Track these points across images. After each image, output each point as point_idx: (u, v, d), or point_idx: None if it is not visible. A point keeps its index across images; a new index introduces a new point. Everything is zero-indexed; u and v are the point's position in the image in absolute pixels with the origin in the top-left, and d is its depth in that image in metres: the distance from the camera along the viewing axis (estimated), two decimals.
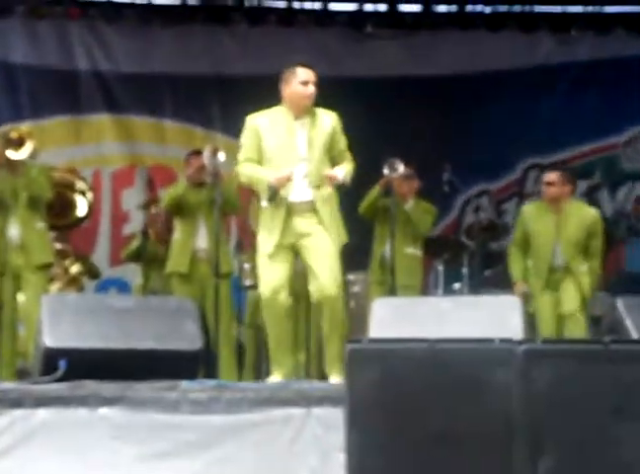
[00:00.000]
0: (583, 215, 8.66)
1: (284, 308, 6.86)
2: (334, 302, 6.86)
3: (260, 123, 6.97)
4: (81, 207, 10.50)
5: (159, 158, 12.56)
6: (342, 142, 7.03)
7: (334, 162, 6.93)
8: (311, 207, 6.83)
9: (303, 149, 6.86)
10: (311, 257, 6.79)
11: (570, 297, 8.42)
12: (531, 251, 8.74)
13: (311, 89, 6.87)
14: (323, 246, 6.80)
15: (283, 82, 6.99)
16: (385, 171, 8.93)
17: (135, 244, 10.75)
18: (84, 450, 5.42)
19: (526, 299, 8.39)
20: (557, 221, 8.53)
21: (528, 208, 8.99)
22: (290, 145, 6.85)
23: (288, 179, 6.69)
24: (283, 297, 6.84)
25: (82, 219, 10.69)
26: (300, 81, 6.88)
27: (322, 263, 6.77)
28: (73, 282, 10.72)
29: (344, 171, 6.89)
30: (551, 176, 8.74)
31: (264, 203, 6.91)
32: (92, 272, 11.16)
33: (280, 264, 6.80)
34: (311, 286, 6.86)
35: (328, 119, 6.97)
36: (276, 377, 6.78)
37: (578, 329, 8.27)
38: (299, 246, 6.82)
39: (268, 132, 6.92)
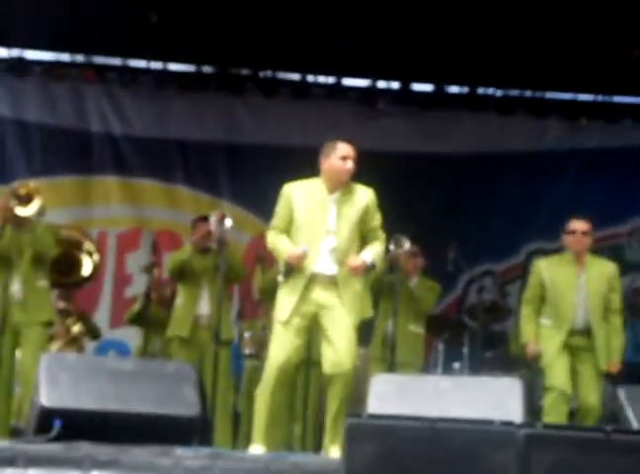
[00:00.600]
0: (604, 268, 8.35)
1: (289, 381, 6.84)
2: (348, 378, 6.83)
3: (294, 193, 6.95)
4: (86, 267, 10.46)
5: (166, 223, 12.55)
6: (376, 220, 6.99)
7: (365, 239, 6.92)
8: (333, 281, 6.79)
9: (332, 223, 6.83)
10: (329, 329, 6.75)
11: (589, 387, 8.08)
12: (548, 308, 8.34)
13: (349, 165, 6.84)
14: (342, 320, 6.76)
15: (323, 155, 6.94)
16: (391, 247, 8.90)
17: (137, 307, 10.70)
18: None
19: (537, 359, 8.23)
20: (579, 274, 8.22)
21: (545, 262, 8.58)
22: (320, 218, 6.83)
23: (301, 257, 6.68)
24: (291, 371, 6.86)
25: (87, 279, 10.64)
26: (340, 156, 6.85)
27: (340, 337, 6.73)
28: (74, 342, 10.69)
29: (371, 254, 6.86)
30: (583, 225, 8.28)
31: (280, 278, 6.91)
32: (93, 332, 11.13)
33: (294, 334, 6.74)
34: (326, 359, 6.79)
35: (364, 195, 6.96)
36: (258, 448, 6.65)
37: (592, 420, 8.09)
38: (318, 316, 6.77)
39: (300, 202, 6.91)
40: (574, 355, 8.12)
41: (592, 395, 8.04)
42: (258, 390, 6.83)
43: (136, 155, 12.63)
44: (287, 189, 7.01)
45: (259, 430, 6.75)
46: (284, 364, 6.70)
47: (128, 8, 11.30)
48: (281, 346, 6.73)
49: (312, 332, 7.00)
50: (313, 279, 6.78)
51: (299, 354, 6.88)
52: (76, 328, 10.76)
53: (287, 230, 6.92)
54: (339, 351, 6.74)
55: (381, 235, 7.02)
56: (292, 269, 6.74)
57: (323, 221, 6.82)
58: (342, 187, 6.91)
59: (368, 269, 6.85)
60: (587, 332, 8.14)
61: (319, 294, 6.77)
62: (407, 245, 8.98)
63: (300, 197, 6.93)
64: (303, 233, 6.83)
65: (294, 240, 6.86)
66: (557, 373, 8.06)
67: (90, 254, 10.55)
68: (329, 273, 6.79)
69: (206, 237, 9.14)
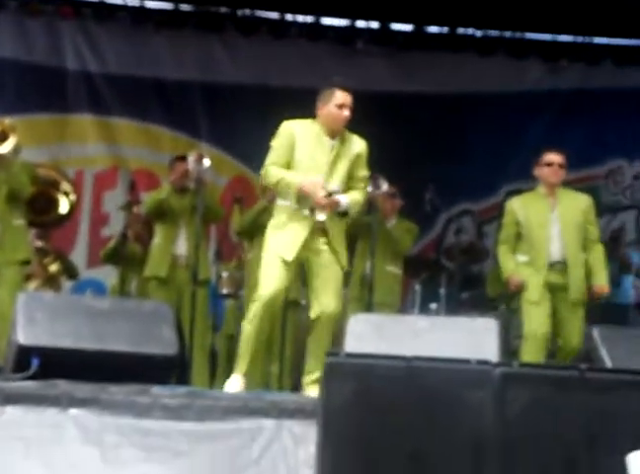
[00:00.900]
0: (577, 200, 8.40)
1: (277, 314, 6.89)
2: (333, 322, 6.88)
3: (296, 131, 6.91)
4: (63, 206, 10.46)
5: (143, 162, 12.51)
6: (362, 171, 7.04)
7: (348, 186, 6.91)
8: (323, 227, 6.81)
9: (327, 166, 6.85)
10: (319, 275, 6.80)
11: (572, 328, 8.13)
12: (524, 245, 8.37)
13: (346, 113, 6.85)
14: (331, 266, 6.82)
15: (320, 101, 6.91)
16: (369, 188, 8.89)
17: (113, 243, 10.69)
18: (51, 451, 5.34)
19: (521, 289, 8.23)
20: (553, 207, 8.25)
21: (518, 200, 8.58)
22: (321, 159, 6.83)
23: (318, 184, 6.68)
24: (279, 305, 6.93)
25: (64, 218, 10.64)
26: (337, 104, 6.83)
27: (329, 283, 6.80)
28: (51, 281, 10.70)
29: (348, 199, 6.84)
30: (557, 157, 8.32)
31: (283, 202, 6.89)
32: (70, 271, 11.12)
33: (286, 269, 6.76)
34: (314, 303, 6.83)
35: (358, 145, 7.00)
36: (238, 379, 6.68)
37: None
38: (308, 260, 6.82)
39: (302, 141, 6.89)
40: (554, 295, 8.14)
41: (574, 337, 8.10)
42: (245, 321, 6.82)
43: (113, 93, 12.51)
44: (288, 126, 6.96)
45: (243, 360, 6.75)
46: (275, 297, 6.72)
47: None
48: (274, 279, 6.72)
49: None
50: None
51: (287, 290, 6.95)
52: (53, 267, 10.76)
53: (287, 167, 6.88)
54: (328, 297, 6.80)
55: (364, 187, 7.10)
56: (305, 198, 6.71)
57: (323, 163, 6.82)
58: (339, 133, 6.91)
59: (340, 213, 6.83)
60: (565, 266, 8.17)
61: (311, 239, 6.78)
62: (385, 186, 8.97)
63: (302, 135, 6.91)
64: (301, 172, 6.81)
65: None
66: (535, 319, 8.10)
67: (67, 193, 10.54)
68: (319, 218, 6.78)
69: (184, 177, 9.15)
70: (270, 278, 6.76)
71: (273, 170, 6.90)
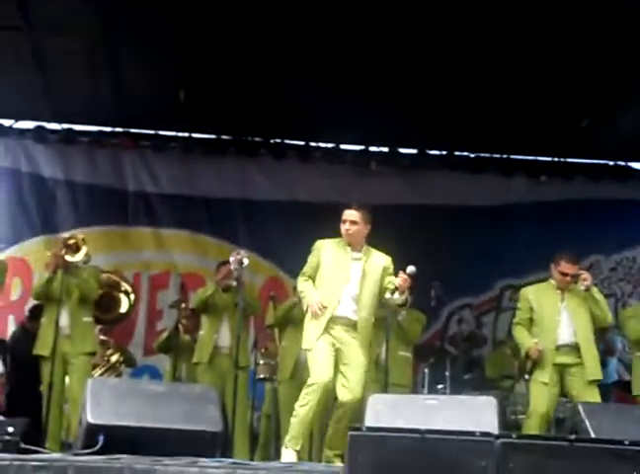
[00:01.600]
0: (579, 293, 8.23)
1: (329, 394, 6.90)
2: (357, 404, 6.89)
3: (324, 247, 7.19)
4: (124, 305, 10.52)
5: (191, 266, 12.54)
6: (392, 280, 7.15)
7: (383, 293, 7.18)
8: (353, 325, 7.00)
9: (354, 276, 7.06)
10: (347, 363, 6.92)
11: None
12: (535, 329, 8.27)
13: (346, 227, 7.11)
14: (357, 356, 6.98)
15: None
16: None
17: (166, 335, 10.71)
18: None
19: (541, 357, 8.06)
20: (563, 298, 8.18)
21: (531, 290, 8.49)
22: (343, 270, 7.06)
23: (321, 310, 6.89)
24: (331, 385, 6.88)
25: (124, 316, 10.71)
26: (342, 220, 7.14)
27: (355, 371, 6.93)
28: (113, 369, 10.65)
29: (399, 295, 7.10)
30: (571, 270, 8.26)
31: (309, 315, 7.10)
32: (129, 361, 11.11)
33: (325, 354, 6.89)
34: (340, 387, 6.90)
35: (382, 260, 7.24)
36: (292, 455, 6.71)
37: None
38: (338, 349, 6.93)
39: (327, 255, 7.14)
40: (565, 375, 8.01)
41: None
42: (297, 404, 6.88)
43: (166, 209, 12.65)
44: (319, 244, 7.24)
45: (296, 436, 6.79)
46: (329, 382, 6.83)
47: (161, 86, 11.38)
48: (321, 364, 6.85)
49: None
50: (335, 320, 6.97)
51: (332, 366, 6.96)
52: (114, 357, 10.74)
53: (314, 277, 7.15)
54: (354, 383, 6.90)
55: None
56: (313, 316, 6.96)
57: (345, 273, 7.03)
58: (361, 248, 7.17)
59: (401, 301, 7.20)
60: (575, 348, 8.02)
61: (340, 331, 6.96)
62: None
63: (328, 250, 7.16)
64: (327, 281, 7.08)
65: (319, 285, 7.12)
66: (540, 398, 8.02)
67: (127, 294, 10.61)
68: (349, 316, 7.00)
69: (228, 276, 9.16)
70: (313, 367, 6.91)
71: (301, 281, 7.27)
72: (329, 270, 7.07)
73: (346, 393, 6.87)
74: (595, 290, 8.24)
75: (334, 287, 7.02)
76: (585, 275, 8.16)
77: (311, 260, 7.22)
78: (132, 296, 10.72)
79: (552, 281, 8.32)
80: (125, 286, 10.67)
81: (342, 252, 7.12)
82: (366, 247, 7.23)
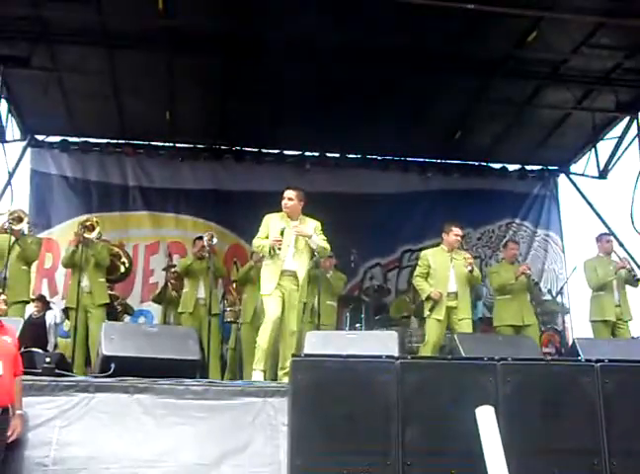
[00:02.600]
0: (461, 256, 8.34)
1: (277, 329, 6.90)
2: (294, 335, 6.97)
3: (271, 219, 7.19)
4: (122, 271, 10.51)
5: (175, 237, 12.46)
6: (322, 235, 7.23)
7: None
8: (294, 274, 6.99)
9: (292, 238, 7.06)
10: (288, 305, 6.94)
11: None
12: (432, 280, 8.25)
13: (284, 201, 7.16)
14: (295, 301, 7.00)
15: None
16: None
17: (158, 291, 10.79)
18: (124, 422, 5.38)
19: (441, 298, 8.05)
20: (451, 259, 8.23)
21: (429, 252, 8.49)
22: (286, 235, 7.04)
23: (277, 242, 6.96)
24: (278, 322, 6.89)
25: (122, 277, 10.66)
26: (282, 197, 7.18)
27: (292, 311, 6.97)
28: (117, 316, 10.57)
29: (317, 238, 7.12)
30: (460, 231, 8.42)
31: (266, 263, 7.12)
32: (128, 310, 11.00)
33: (275, 300, 6.89)
34: (282, 322, 6.92)
35: (312, 224, 7.22)
36: (260, 374, 6.76)
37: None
38: (284, 295, 6.92)
39: (273, 224, 7.13)
40: (450, 314, 8.07)
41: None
42: (259, 335, 6.92)
43: (157, 198, 12.64)
44: (267, 217, 7.23)
45: (261, 360, 6.81)
46: (277, 318, 6.85)
47: (152, 109, 11.46)
48: (272, 308, 6.87)
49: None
50: (283, 273, 6.98)
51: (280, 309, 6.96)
52: (119, 308, 10.64)
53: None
54: (291, 321, 6.96)
55: (326, 242, 7.25)
56: (273, 250, 6.98)
57: (287, 237, 7.03)
58: (297, 217, 7.19)
59: (313, 246, 7.12)
60: (457, 296, 8.10)
61: (286, 281, 6.98)
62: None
63: (274, 221, 7.15)
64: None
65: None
66: (434, 331, 8.03)
67: (123, 263, 10.55)
68: (291, 268, 7.01)
69: (202, 249, 9.17)
70: (267, 309, 6.92)
71: (257, 241, 7.18)
72: (276, 235, 7.04)
73: (284, 327, 6.92)
74: (474, 269, 8.33)
75: (282, 244, 7.02)
76: (470, 260, 8.26)
77: (261, 230, 7.19)
78: (127, 264, 10.68)
79: (443, 246, 8.38)
80: (123, 257, 10.63)
81: (284, 221, 7.13)
82: (302, 216, 7.24)
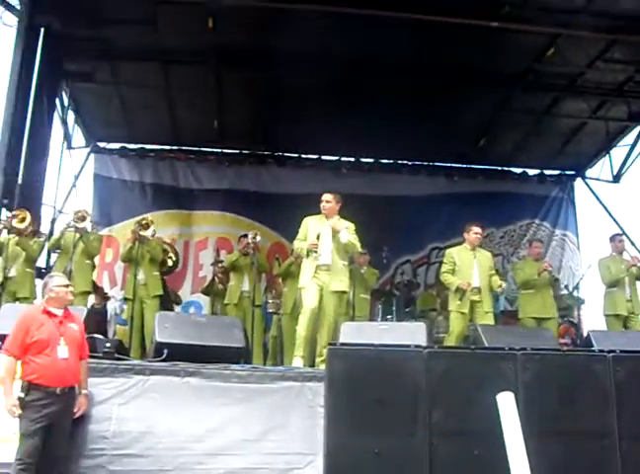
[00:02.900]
0: (486, 254, 8.31)
1: (315, 318, 6.92)
2: (331, 325, 6.94)
3: (310, 221, 7.19)
4: (170, 265, 10.57)
5: (222, 234, 12.49)
6: (354, 234, 7.17)
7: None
8: (329, 268, 6.96)
9: (329, 237, 7.04)
10: (325, 296, 6.91)
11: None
12: (457, 277, 8.09)
13: (323, 204, 7.18)
14: (332, 292, 6.94)
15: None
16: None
17: (207, 284, 10.77)
18: (176, 402, 5.43)
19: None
20: (475, 256, 8.14)
21: (454, 250, 8.34)
22: (323, 233, 7.05)
23: (315, 244, 6.93)
24: (316, 311, 6.90)
25: (170, 271, 10.67)
26: (320, 200, 7.20)
27: (329, 302, 6.93)
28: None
29: (346, 233, 7.04)
30: (480, 230, 8.30)
31: (305, 260, 7.10)
32: (177, 300, 11.02)
33: (312, 291, 6.90)
34: (320, 312, 6.90)
35: (346, 224, 7.18)
36: (300, 360, 6.74)
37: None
38: (321, 287, 6.91)
39: (312, 227, 7.13)
40: (474, 308, 7.96)
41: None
42: (299, 323, 6.92)
43: (205, 198, 12.70)
44: (306, 220, 7.26)
45: (300, 347, 6.82)
46: (314, 308, 6.85)
47: (202, 118, 11.56)
48: (309, 298, 6.88)
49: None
50: (319, 267, 6.97)
51: (318, 299, 6.94)
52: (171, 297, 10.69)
53: (305, 240, 7.13)
54: (329, 309, 6.93)
55: (357, 240, 7.17)
56: (310, 251, 6.97)
57: (325, 235, 7.04)
58: (334, 217, 7.16)
59: (342, 239, 7.00)
60: (479, 289, 7.98)
61: (322, 275, 6.95)
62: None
63: (312, 222, 7.17)
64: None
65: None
66: (458, 324, 7.92)
67: (171, 258, 10.61)
68: (327, 262, 6.97)
69: (246, 246, 9.16)
70: (305, 299, 6.95)
71: (297, 243, 7.20)
72: (315, 235, 7.05)
73: (323, 316, 6.90)
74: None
75: (319, 245, 7.01)
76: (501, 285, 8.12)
77: (301, 231, 7.21)
78: (175, 258, 10.82)
79: (466, 245, 8.30)
80: (171, 253, 10.70)
81: (321, 222, 7.14)
82: (338, 217, 7.23)
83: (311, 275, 6.97)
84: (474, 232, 8.26)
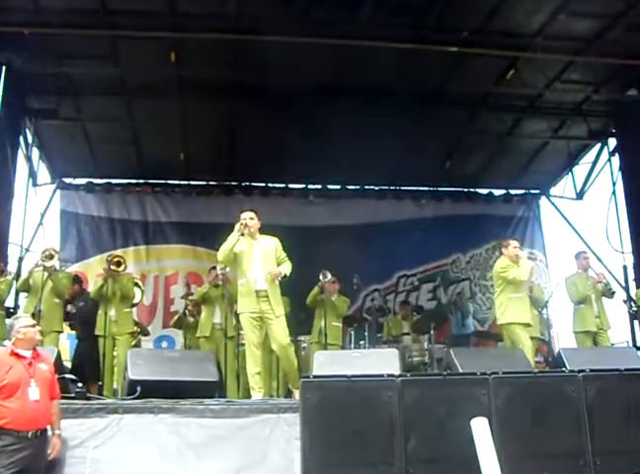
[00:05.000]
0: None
1: (261, 352, 6.73)
2: (288, 347, 6.69)
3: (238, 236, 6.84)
4: (137, 298, 10.35)
5: (192, 268, 12.52)
6: (282, 253, 6.88)
7: (279, 263, 6.79)
8: (266, 293, 6.64)
9: (258, 256, 6.75)
10: (271, 325, 6.60)
11: None
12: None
13: (247, 221, 6.86)
14: (277, 318, 6.61)
15: None
16: (320, 277, 8.98)
17: (177, 317, 10.66)
18: (150, 440, 5.37)
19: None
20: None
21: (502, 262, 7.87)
22: (253, 256, 6.77)
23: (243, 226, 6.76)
24: (259, 346, 6.69)
25: (135, 305, 10.45)
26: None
27: (275, 328, 6.59)
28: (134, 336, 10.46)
29: (284, 267, 6.74)
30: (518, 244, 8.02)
31: (241, 281, 6.75)
32: (144, 332, 10.84)
33: (251, 326, 6.60)
34: (273, 343, 6.68)
35: (271, 240, 6.91)
36: (258, 394, 6.57)
37: None
38: (263, 317, 6.62)
39: (239, 244, 6.80)
40: None
41: None
42: (247, 362, 6.70)
43: (174, 232, 12.72)
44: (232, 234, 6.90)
45: (258, 384, 6.57)
46: (257, 342, 6.61)
47: (168, 152, 11.58)
48: (250, 333, 6.61)
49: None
50: (257, 294, 6.64)
51: (262, 334, 6.69)
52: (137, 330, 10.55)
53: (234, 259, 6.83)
54: (280, 337, 6.60)
55: (287, 260, 6.87)
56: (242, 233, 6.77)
57: (252, 255, 6.75)
58: (256, 236, 6.88)
59: (284, 276, 6.72)
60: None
61: (261, 303, 6.61)
62: (329, 276, 9.04)
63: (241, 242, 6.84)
64: (241, 262, 6.76)
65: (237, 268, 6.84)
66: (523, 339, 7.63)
67: (142, 292, 10.50)
68: (262, 288, 6.64)
69: (216, 278, 9.12)
70: (247, 335, 6.70)
71: (221, 248, 6.92)
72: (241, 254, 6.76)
73: (276, 346, 6.63)
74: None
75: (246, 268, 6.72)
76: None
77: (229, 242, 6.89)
78: (141, 293, 10.51)
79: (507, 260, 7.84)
80: (140, 287, 10.59)
81: (249, 244, 6.79)
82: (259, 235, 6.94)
83: (248, 303, 6.65)
84: (513, 246, 7.87)
